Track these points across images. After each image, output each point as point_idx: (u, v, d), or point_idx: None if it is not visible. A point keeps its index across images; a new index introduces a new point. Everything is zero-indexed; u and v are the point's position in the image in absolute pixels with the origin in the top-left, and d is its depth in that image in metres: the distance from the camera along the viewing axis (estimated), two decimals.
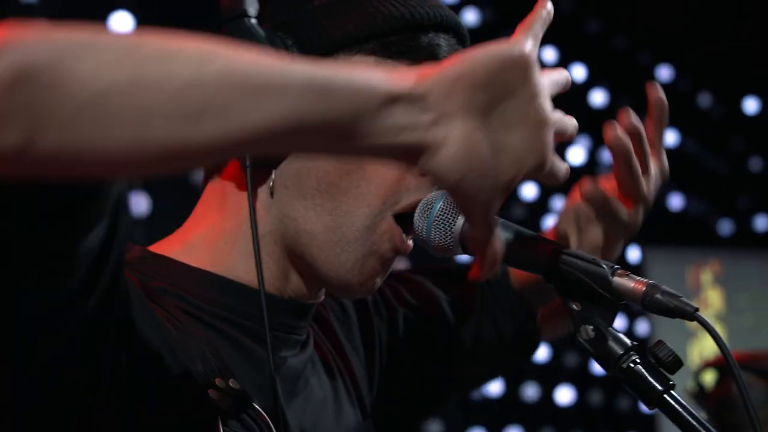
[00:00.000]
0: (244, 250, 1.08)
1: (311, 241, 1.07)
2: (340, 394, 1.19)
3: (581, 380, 4.86)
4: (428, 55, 1.08)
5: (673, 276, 5.39)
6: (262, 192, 1.08)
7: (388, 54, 1.07)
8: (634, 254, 5.27)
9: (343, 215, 1.06)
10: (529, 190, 4.76)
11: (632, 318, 5.04)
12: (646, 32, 5.14)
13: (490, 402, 4.63)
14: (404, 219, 1.09)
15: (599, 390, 4.89)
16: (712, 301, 5.40)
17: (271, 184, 1.07)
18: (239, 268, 1.08)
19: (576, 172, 4.67)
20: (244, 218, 1.09)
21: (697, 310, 0.92)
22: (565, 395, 4.80)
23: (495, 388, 4.52)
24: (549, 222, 4.83)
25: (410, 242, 1.10)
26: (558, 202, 4.86)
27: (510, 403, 4.71)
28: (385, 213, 1.07)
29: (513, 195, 4.73)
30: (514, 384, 4.70)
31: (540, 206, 4.84)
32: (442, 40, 1.10)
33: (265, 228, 1.09)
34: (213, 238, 1.10)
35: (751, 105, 5.56)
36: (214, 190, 1.12)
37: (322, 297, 1.16)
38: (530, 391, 4.67)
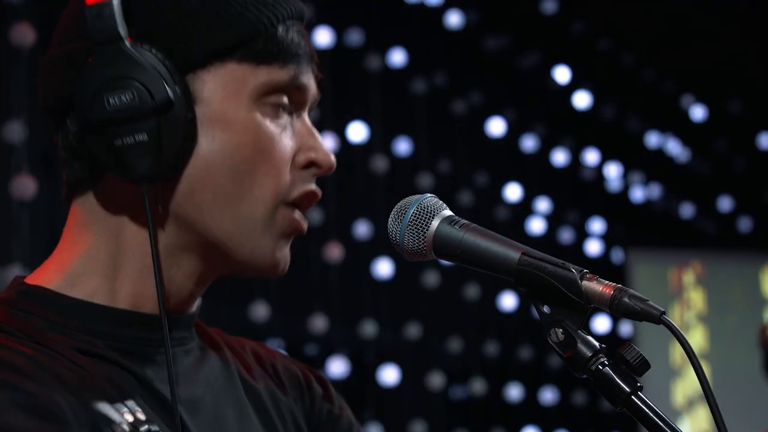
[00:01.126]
0: (131, 271, 1.08)
1: (219, 247, 1.08)
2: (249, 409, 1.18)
3: (565, 380, 4.88)
4: (293, 52, 1.10)
5: (656, 277, 5.43)
6: (154, 210, 1.07)
7: (259, 60, 1.08)
8: (617, 255, 5.30)
9: (243, 219, 1.08)
10: (513, 191, 4.79)
11: (616, 319, 5.07)
12: (630, 34, 5.17)
13: (474, 402, 4.65)
14: (292, 205, 1.12)
15: (583, 390, 4.91)
16: (694, 301, 5.44)
17: (160, 206, 1.07)
18: (123, 291, 1.08)
19: (559, 174, 4.70)
20: (130, 240, 1.08)
21: (663, 313, 0.94)
22: (549, 395, 4.83)
23: (479, 388, 4.54)
24: (533, 223, 4.86)
25: (305, 223, 1.13)
26: (541, 204, 4.89)
27: (494, 403, 4.73)
28: (278, 205, 1.09)
29: (497, 196, 4.76)
30: (498, 384, 4.72)
31: (523, 207, 4.86)
32: (296, 32, 1.11)
33: (160, 243, 1.08)
34: (95, 266, 1.08)
35: (734, 106, 5.60)
36: (85, 207, 1.10)
37: (195, 308, 1.15)
38: (514, 392, 4.69)
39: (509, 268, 0.99)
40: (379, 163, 4.13)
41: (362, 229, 4.16)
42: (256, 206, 1.08)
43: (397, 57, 4.40)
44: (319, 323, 3.94)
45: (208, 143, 1.06)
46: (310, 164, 1.12)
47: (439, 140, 4.54)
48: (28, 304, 1.05)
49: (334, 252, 3.97)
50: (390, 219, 1.07)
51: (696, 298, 5.44)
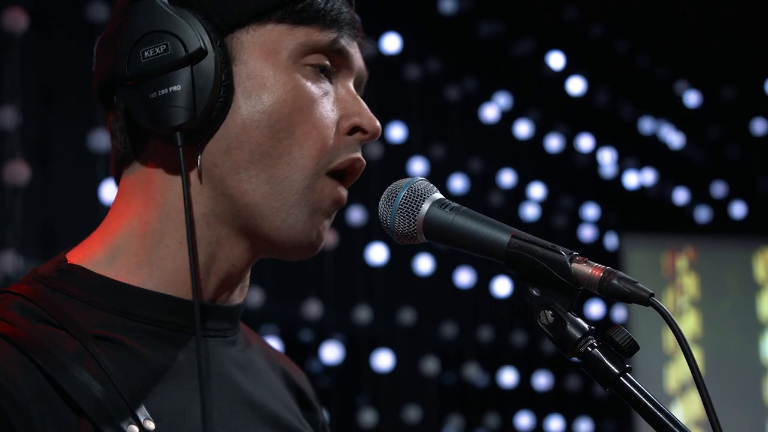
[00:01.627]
0: (171, 242, 1.08)
1: (252, 213, 1.07)
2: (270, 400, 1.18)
3: (558, 365, 4.89)
4: (334, 17, 1.11)
5: (649, 262, 5.44)
6: (192, 174, 1.08)
7: (298, 20, 1.09)
8: (611, 240, 5.31)
9: (280, 182, 1.07)
10: (507, 177, 4.79)
11: (609, 305, 5.08)
12: (624, 20, 5.17)
13: (467, 387, 4.66)
14: (336, 176, 1.11)
15: (576, 375, 4.93)
16: (687, 287, 5.45)
17: (199, 164, 1.07)
18: (163, 267, 1.07)
19: (553, 160, 4.70)
20: (171, 206, 1.08)
21: (652, 295, 0.95)
22: (542, 380, 4.84)
23: (473, 373, 4.55)
24: (527, 209, 4.86)
25: (345, 192, 1.12)
26: (535, 190, 4.89)
27: (488, 388, 4.75)
28: (320, 173, 1.09)
29: (491, 182, 4.76)
30: (491, 370, 4.73)
31: (517, 193, 4.86)
32: (340, 1, 1.13)
33: (198, 211, 1.08)
34: (138, 234, 1.08)
35: (728, 93, 5.60)
36: (129, 178, 1.11)
37: (238, 300, 1.15)
38: (508, 377, 4.71)
39: (499, 251, 1.00)
40: (373, 149, 4.13)
41: (356, 215, 4.16)
42: (295, 169, 1.07)
43: (391, 43, 4.39)
44: (313, 309, 3.95)
45: (245, 101, 1.07)
46: (354, 130, 1.12)
47: (432, 126, 4.54)
48: (65, 283, 1.06)
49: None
50: (381, 202, 1.07)
51: (689, 283, 5.46)
